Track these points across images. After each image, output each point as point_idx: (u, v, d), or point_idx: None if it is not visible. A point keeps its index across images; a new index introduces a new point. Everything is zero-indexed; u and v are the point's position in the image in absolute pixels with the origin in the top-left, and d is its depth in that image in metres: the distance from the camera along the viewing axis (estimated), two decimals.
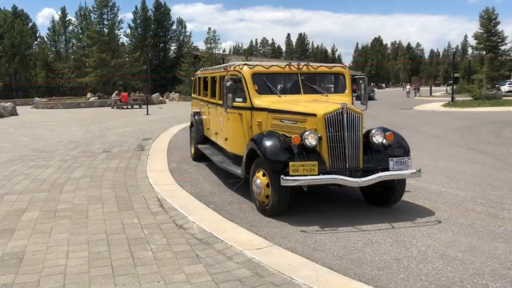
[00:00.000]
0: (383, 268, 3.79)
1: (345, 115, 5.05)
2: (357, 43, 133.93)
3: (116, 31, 46.25)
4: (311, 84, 6.51)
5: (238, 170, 6.02)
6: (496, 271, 3.72)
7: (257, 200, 5.45)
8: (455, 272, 3.70)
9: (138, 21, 61.37)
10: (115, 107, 29.72)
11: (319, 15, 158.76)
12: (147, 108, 24.78)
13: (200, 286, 3.38)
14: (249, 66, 6.28)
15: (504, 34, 37.66)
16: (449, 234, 4.64)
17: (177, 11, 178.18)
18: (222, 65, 7.65)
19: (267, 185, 5.16)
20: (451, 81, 38.69)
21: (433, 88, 58.72)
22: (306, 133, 4.99)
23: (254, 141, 5.39)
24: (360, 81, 6.55)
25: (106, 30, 44.79)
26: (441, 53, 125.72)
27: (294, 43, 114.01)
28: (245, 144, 5.86)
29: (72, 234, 4.57)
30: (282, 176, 4.77)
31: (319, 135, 5.02)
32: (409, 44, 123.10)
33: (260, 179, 5.26)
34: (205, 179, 7.40)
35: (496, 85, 38.37)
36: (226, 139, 6.81)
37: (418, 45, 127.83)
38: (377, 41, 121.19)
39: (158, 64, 59.23)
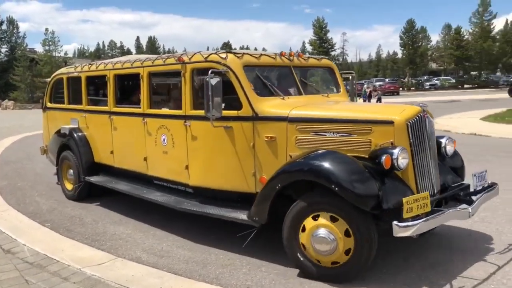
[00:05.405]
0: (226, 266, 3.94)
1: (426, 120, 3.86)
2: (208, 47, 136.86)
3: None
4: (305, 80, 5.19)
5: (240, 214, 4.10)
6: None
7: (313, 260, 3.59)
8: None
9: None
10: None
11: (169, 18, 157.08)
12: None
13: None
14: (237, 55, 4.37)
15: (333, 41, 43.00)
16: None
17: (7, 9, 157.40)
18: (164, 55, 5.26)
19: (347, 235, 3.43)
20: None
21: None
22: (396, 151, 3.49)
23: (306, 166, 3.63)
24: (350, 77, 5.70)
25: None
26: None
27: (144, 46, 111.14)
28: (241, 172, 4.25)
29: None
30: (395, 222, 3.24)
31: None
32: (255, 48, 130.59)
33: (328, 228, 3.47)
34: (41, 195, 6.70)
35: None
36: (186, 166, 4.66)
37: (264, 50, 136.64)
38: (227, 45, 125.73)
39: None
